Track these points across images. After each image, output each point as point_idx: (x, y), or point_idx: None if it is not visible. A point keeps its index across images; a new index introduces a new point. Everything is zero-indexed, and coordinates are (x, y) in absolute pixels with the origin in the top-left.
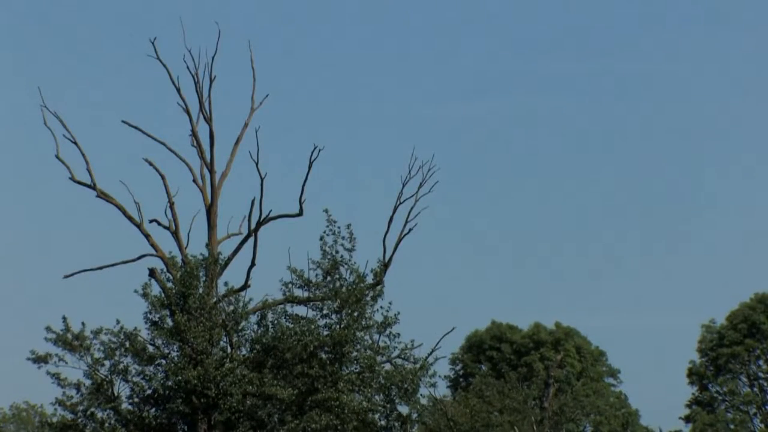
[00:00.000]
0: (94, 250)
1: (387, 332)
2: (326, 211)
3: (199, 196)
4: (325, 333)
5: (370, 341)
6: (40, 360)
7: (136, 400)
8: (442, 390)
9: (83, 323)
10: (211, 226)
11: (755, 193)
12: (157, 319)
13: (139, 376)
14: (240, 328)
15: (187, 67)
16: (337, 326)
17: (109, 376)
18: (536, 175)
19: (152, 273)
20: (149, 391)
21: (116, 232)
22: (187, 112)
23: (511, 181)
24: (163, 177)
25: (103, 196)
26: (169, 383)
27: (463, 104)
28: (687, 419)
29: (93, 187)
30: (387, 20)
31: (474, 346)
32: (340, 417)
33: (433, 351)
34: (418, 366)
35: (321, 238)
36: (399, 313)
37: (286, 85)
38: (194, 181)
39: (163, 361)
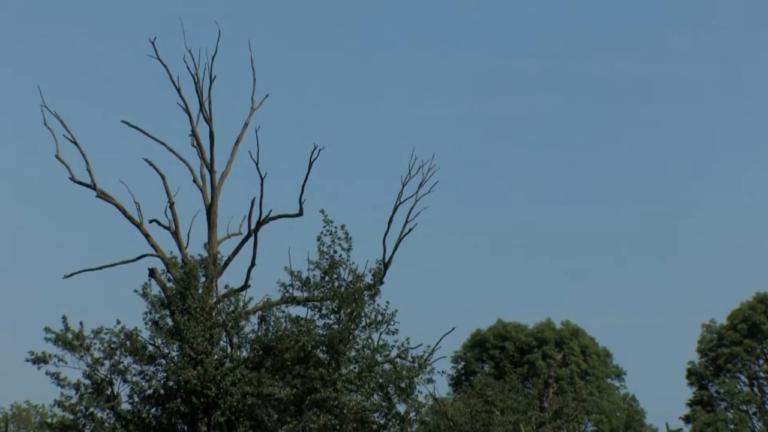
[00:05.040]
0: (94, 250)
1: (385, 329)
2: (323, 211)
3: (199, 196)
4: (322, 333)
5: (369, 340)
6: (39, 360)
7: (135, 399)
8: (444, 388)
9: (81, 323)
10: (211, 226)
11: (755, 192)
12: (157, 319)
13: (139, 376)
14: (240, 328)
15: (187, 67)
16: (336, 326)
17: (109, 376)
18: (538, 174)
19: (152, 273)
20: (149, 391)
21: (116, 232)
22: (187, 112)
23: (512, 182)
24: (163, 177)
25: (103, 196)
26: (169, 383)
27: (463, 104)
28: (687, 419)
29: (93, 187)
30: (386, 20)
31: (477, 345)
32: (338, 417)
33: (432, 350)
34: (416, 365)
35: (318, 239)
36: (396, 311)
37: (286, 85)
38: (194, 181)
39: (163, 361)
